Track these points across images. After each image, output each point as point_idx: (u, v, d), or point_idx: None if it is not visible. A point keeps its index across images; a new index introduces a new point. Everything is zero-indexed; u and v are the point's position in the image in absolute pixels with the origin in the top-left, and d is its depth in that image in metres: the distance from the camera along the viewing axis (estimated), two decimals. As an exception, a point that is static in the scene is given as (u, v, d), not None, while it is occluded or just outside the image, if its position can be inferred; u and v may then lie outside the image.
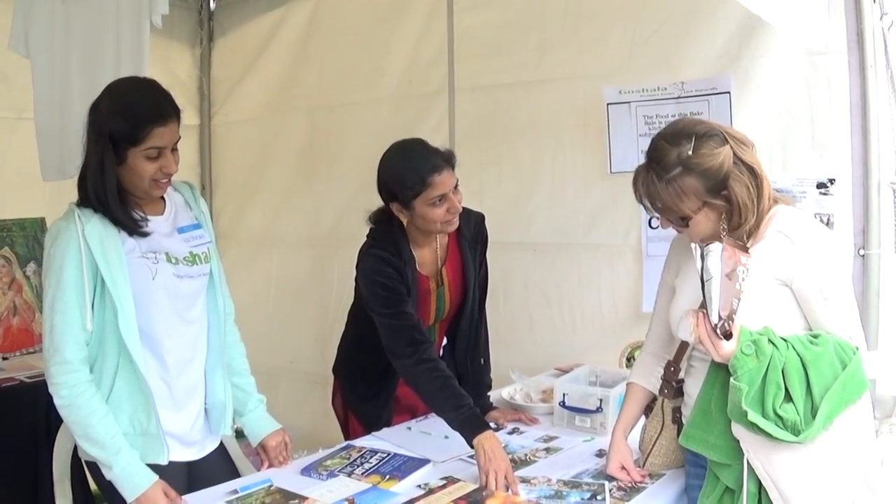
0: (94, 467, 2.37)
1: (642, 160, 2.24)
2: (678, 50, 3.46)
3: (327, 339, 3.86)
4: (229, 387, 2.66)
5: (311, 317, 4.75)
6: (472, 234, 3.07)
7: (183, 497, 2.36)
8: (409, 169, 2.78)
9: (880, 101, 2.88)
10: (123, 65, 3.44)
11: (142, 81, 2.52)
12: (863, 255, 2.91)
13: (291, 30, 4.80)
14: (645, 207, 2.24)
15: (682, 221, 2.17)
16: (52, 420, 3.10)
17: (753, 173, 2.13)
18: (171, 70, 4.90)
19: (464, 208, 2.90)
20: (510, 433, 2.97)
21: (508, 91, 3.99)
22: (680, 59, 3.46)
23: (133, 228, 2.37)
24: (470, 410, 2.60)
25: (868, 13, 2.84)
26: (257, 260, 5.06)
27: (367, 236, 2.97)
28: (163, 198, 2.52)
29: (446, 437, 2.76)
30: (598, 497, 2.34)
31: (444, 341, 3.19)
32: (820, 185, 3.11)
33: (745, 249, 2.07)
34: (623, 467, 2.47)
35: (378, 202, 2.93)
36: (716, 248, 2.03)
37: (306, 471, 2.59)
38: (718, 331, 2.04)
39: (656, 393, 2.50)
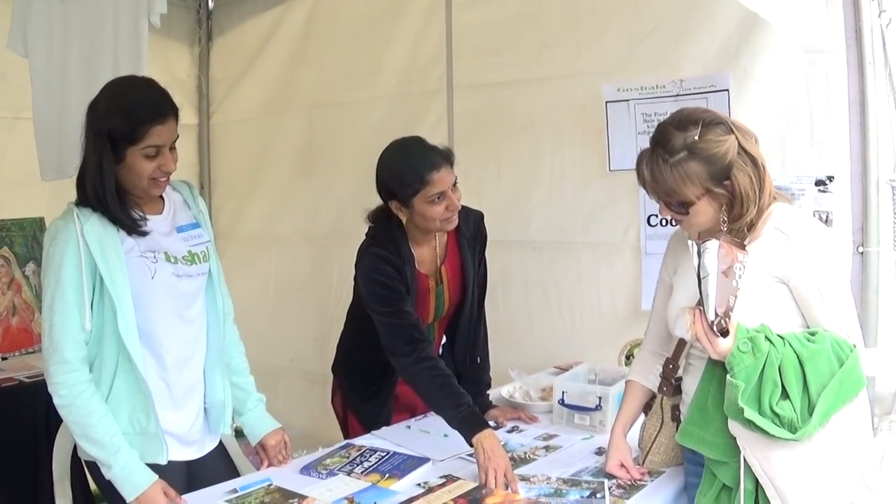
0: (94, 467, 2.37)
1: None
2: (677, 47, 3.46)
3: (326, 338, 3.86)
4: (228, 386, 2.66)
5: (310, 316, 4.75)
6: (471, 232, 3.07)
7: (182, 496, 2.36)
8: (407, 167, 2.78)
9: (879, 98, 2.88)
10: (122, 64, 3.44)
11: (140, 80, 2.52)
12: (862, 253, 2.91)
13: (290, 29, 4.80)
14: (647, 191, 2.24)
15: (683, 208, 2.17)
16: (51, 420, 3.10)
17: (756, 165, 2.13)
18: (170, 69, 4.90)
19: (463, 206, 2.90)
20: (509, 431, 2.97)
21: (507, 89, 3.99)
22: (678, 56, 3.46)
23: (132, 227, 2.38)
24: (469, 409, 2.60)
25: (866, 10, 2.84)
26: (256, 259, 5.06)
27: (366, 235, 2.97)
28: (161, 197, 2.52)
29: (445, 435, 2.76)
30: (598, 495, 2.34)
31: (444, 340, 3.19)
32: (819, 183, 3.11)
33: (742, 246, 2.07)
34: (622, 465, 2.47)
35: (377, 201, 2.93)
36: (712, 245, 2.03)
37: (306, 470, 2.59)
38: (715, 328, 2.04)
39: (655, 391, 2.50)
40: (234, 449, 2.79)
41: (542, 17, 3.85)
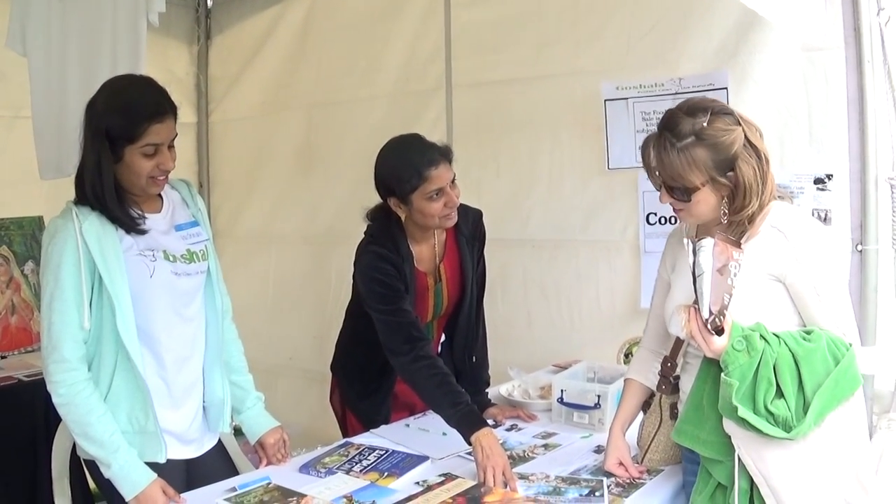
0: (93, 466, 2.37)
1: (640, 156, 2.24)
2: (675, 46, 3.46)
3: (325, 337, 3.86)
4: (227, 384, 2.66)
5: (308, 314, 4.75)
6: (469, 230, 3.07)
7: (181, 495, 2.36)
8: (406, 163, 2.78)
9: (877, 96, 2.88)
10: (120, 63, 3.43)
11: (138, 79, 2.52)
12: (860, 251, 2.90)
13: (288, 27, 4.80)
14: (650, 176, 2.23)
15: (685, 195, 2.16)
16: (50, 419, 3.10)
17: (761, 158, 2.14)
18: (169, 68, 4.89)
19: (461, 205, 2.91)
20: (508, 430, 2.97)
21: (506, 87, 3.99)
22: (677, 54, 3.46)
23: (130, 226, 2.38)
24: (467, 407, 2.60)
25: (865, 8, 2.83)
26: (255, 257, 5.06)
27: (365, 233, 2.97)
28: (160, 195, 2.52)
29: (444, 433, 2.76)
30: (597, 493, 2.34)
31: (443, 338, 3.19)
32: (817, 181, 3.11)
33: (738, 245, 2.07)
34: (621, 463, 2.48)
35: (376, 199, 2.93)
36: (707, 243, 2.03)
37: (305, 468, 2.60)
38: (709, 326, 2.05)
39: (654, 389, 2.50)
40: (232, 447, 2.79)
41: (541, 15, 3.85)
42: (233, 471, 2.68)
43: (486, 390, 3.24)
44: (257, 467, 2.69)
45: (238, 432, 2.79)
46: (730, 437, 2.10)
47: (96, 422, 2.29)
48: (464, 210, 2.97)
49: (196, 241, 2.55)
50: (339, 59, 4.57)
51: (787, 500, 2.06)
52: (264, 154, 5.00)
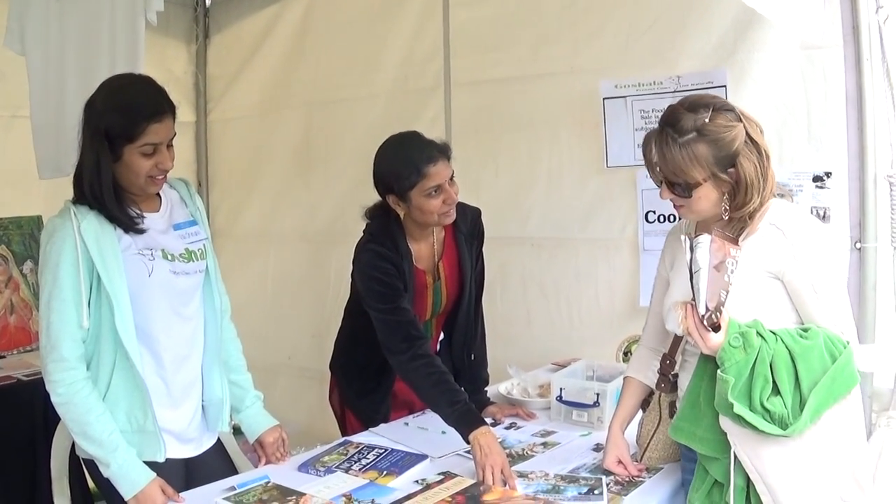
0: (92, 465, 2.37)
1: (638, 155, 2.24)
2: (674, 44, 3.46)
3: (324, 335, 3.85)
4: (226, 383, 2.66)
5: (307, 313, 4.75)
6: (468, 228, 3.07)
7: (180, 494, 2.36)
8: (404, 160, 2.78)
9: (876, 94, 2.88)
10: (119, 62, 3.43)
11: (137, 78, 2.52)
12: (859, 249, 2.90)
13: (287, 26, 4.79)
14: (651, 172, 2.24)
15: (686, 191, 2.16)
16: (49, 418, 3.09)
17: (762, 155, 2.13)
18: (167, 67, 4.89)
19: (460, 203, 2.91)
20: (507, 428, 2.97)
21: (504, 86, 3.99)
22: (676, 53, 3.46)
23: (129, 225, 2.37)
24: (465, 406, 2.60)
25: (864, 7, 2.84)
26: (254, 256, 5.05)
27: (364, 231, 2.97)
28: (158, 195, 2.52)
29: (443, 432, 2.76)
30: (596, 491, 2.34)
31: (441, 336, 3.19)
32: (816, 179, 3.11)
33: (735, 242, 2.07)
34: (620, 462, 2.48)
35: (374, 197, 2.93)
36: (705, 239, 2.03)
37: (303, 467, 2.60)
38: (706, 322, 2.05)
39: (653, 387, 2.50)
40: (231, 446, 2.79)
41: (540, 13, 3.85)
42: (232, 470, 2.68)
43: (485, 389, 3.23)
44: (256, 466, 2.69)
45: (237, 431, 2.79)
46: (726, 435, 2.11)
47: (95, 421, 2.29)
48: (462, 208, 2.98)
49: (194, 240, 2.55)
50: (338, 58, 4.57)
51: (784, 498, 2.06)
52: (263, 153, 5.00)
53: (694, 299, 2.05)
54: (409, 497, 2.33)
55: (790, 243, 2.12)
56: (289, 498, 2.32)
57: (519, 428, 2.98)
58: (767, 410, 2.02)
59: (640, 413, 2.57)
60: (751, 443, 2.07)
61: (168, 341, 2.45)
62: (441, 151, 2.81)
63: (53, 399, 2.31)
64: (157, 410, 2.39)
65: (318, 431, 3.52)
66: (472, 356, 3.19)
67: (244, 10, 4.99)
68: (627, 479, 2.44)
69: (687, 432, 2.21)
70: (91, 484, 2.72)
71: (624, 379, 2.60)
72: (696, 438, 2.19)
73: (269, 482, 2.43)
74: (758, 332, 2.05)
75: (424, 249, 3.00)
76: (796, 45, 3.12)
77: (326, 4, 4.64)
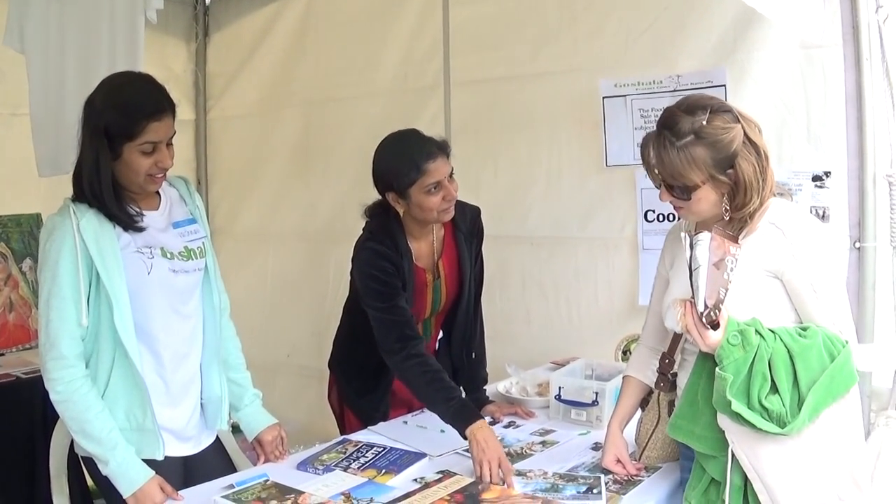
0: (91, 463, 2.37)
1: (638, 154, 2.24)
2: (674, 43, 3.46)
3: (323, 334, 3.86)
4: (225, 381, 2.67)
5: (307, 311, 4.75)
6: (468, 227, 3.07)
7: (179, 492, 2.36)
8: (404, 157, 2.79)
9: (876, 93, 2.87)
10: (118, 60, 3.43)
11: (136, 76, 2.52)
12: (858, 248, 2.90)
13: (286, 24, 4.79)
14: (649, 174, 2.23)
15: (685, 194, 2.16)
16: (48, 416, 3.09)
17: (760, 155, 2.13)
18: (167, 65, 4.89)
19: (460, 202, 2.91)
20: (506, 427, 2.97)
21: (504, 85, 3.99)
22: (675, 52, 3.46)
23: (128, 223, 2.38)
24: (460, 402, 2.61)
25: (863, 6, 2.83)
26: (253, 254, 5.05)
27: (364, 229, 2.97)
28: (158, 193, 2.52)
29: (442, 431, 2.76)
30: (594, 490, 2.34)
31: (441, 335, 3.19)
32: (815, 178, 3.11)
33: (735, 240, 2.07)
34: (619, 460, 2.48)
35: (374, 196, 2.93)
36: (704, 237, 2.03)
37: (302, 465, 2.60)
38: (704, 320, 2.04)
39: (652, 386, 2.50)
40: (230, 444, 2.79)
41: (539, 12, 3.85)
42: (230, 468, 2.68)
43: (484, 387, 3.23)
44: (255, 464, 2.69)
45: (236, 429, 2.79)
46: (724, 433, 2.10)
47: (94, 419, 2.29)
48: (462, 207, 2.98)
49: (194, 238, 2.55)
50: (337, 57, 4.57)
51: (781, 497, 2.06)
52: (262, 151, 5.00)
53: (693, 297, 2.05)
54: (407, 496, 2.32)
55: (789, 242, 2.12)
56: (287, 496, 2.32)
57: (518, 427, 2.98)
58: (765, 409, 2.02)
59: (639, 412, 2.57)
60: (749, 441, 2.07)
61: (167, 339, 2.46)
62: (440, 148, 2.81)
63: (52, 397, 2.31)
64: (156, 408, 2.39)
65: (317, 430, 3.52)
66: (475, 354, 3.19)
67: (244, 9, 4.99)
68: (626, 477, 2.44)
69: (685, 430, 2.21)
70: (90, 482, 2.72)
71: (623, 378, 2.60)
72: (694, 436, 2.19)
73: (267, 480, 2.43)
74: (756, 331, 2.05)
75: (424, 248, 3.00)
76: (796, 44, 3.12)
77: (326, 3, 4.64)
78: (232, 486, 2.40)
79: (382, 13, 4.39)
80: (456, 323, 3.12)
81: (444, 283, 3.05)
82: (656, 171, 2.19)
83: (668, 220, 3.43)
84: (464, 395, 2.67)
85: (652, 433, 2.50)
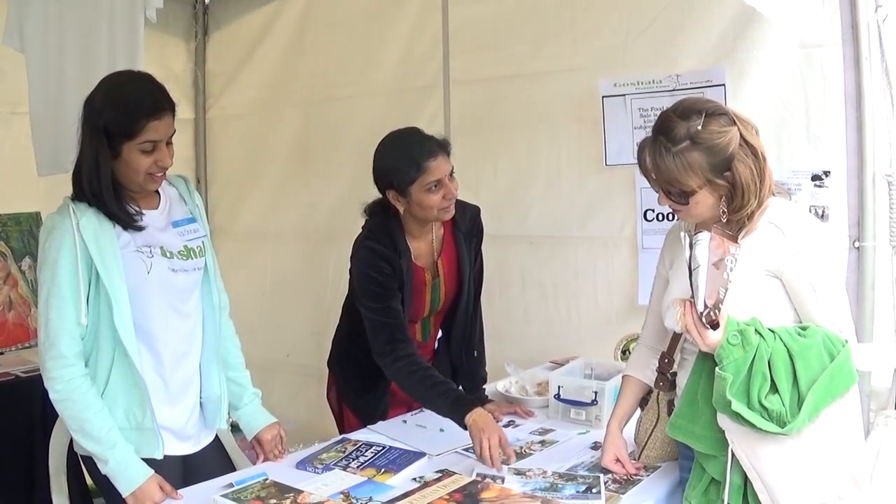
0: (90, 462, 2.37)
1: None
2: (673, 42, 3.46)
3: (322, 333, 3.85)
4: (224, 380, 2.67)
5: (306, 310, 4.75)
6: (467, 226, 3.07)
7: (178, 491, 2.36)
8: (404, 155, 2.79)
9: (875, 93, 2.87)
10: (118, 59, 3.43)
11: (136, 75, 2.52)
12: (858, 248, 2.90)
13: (286, 23, 4.79)
14: (648, 180, 2.23)
15: (683, 198, 2.16)
16: (47, 415, 3.09)
17: (757, 157, 2.13)
18: (166, 64, 4.89)
19: (459, 201, 2.91)
20: (505, 426, 2.96)
21: (504, 84, 3.98)
22: (675, 51, 3.46)
23: (128, 222, 2.38)
24: (455, 393, 2.63)
25: (863, 6, 2.83)
26: (253, 253, 5.05)
27: (363, 228, 2.98)
28: (157, 192, 2.52)
29: (442, 430, 2.77)
30: (594, 490, 2.34)
31: (440, 334, 3.19)
32: (815, 178, 3.11)
33: (734, 239, 2.07)
34: (618, 460, 2.48)
35: (373, 195, 2.93)
36: (704, 237, 2.03)
37: (301, 464, 2.60)
38: (704, 319, 2.04)
39: (652, 385, 2.50)
40: (229, 443, 2.80)
41: (539, 11, 3.85)
42: (230, 467, 2.68)
43: (484, 386, 3.24)
44: (254, 463, 2.69)
45: (235, 428, 2.79)
46: (724, 433, 2.10)
47: (93, 418, 2.29)
48: (461, 206, 2.98)
49: (193, 237, 2.55)
50: (337, 56, 4.56)
51: (781, 496, 2.06)
52: (262, 150, 5.00)
53: (693, 296, 2.05)
54: (406, 494, 2.32)
55: (789, 242, 2.12)
56: (286, 495, 2.32)
57: (517, 426, 2.98)
58: (765, 408, 2.02)
59: (638, 411, 2.57)
60: (748, 441, 2.07)
61: (166, 338, 2.46)
62: (441, 146, 2.82)
63: (52, 396, 2.31)
64: (156, 407, 2.39)
65: (317, 429, 3.52)
66: (475, 353, 3.19)
67: (243, 8, 4.99)
68: (625, 477, 2.44)
69: (684, 430, 2.21)
70: (89, 481, 2.72)
71: (622, 377, 2.61)
72: (694, 436, 2.19)
73: (266, 479, 2.43)
74: (756, 330, 2.05)
75: (423, 247, 3.00)
76: (795, 43, 3.12)
77: (326, 2, 4.63)
78: (231, 485, 2.40)
79: (382, 12, 4.39)
80: (455, 322, 3.13)
81: (443, 283, 3.05)
82: (653, 177, 2.19)
83: (668, 219, 3.43)
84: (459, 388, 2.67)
85: (651, 433, 2.50)
